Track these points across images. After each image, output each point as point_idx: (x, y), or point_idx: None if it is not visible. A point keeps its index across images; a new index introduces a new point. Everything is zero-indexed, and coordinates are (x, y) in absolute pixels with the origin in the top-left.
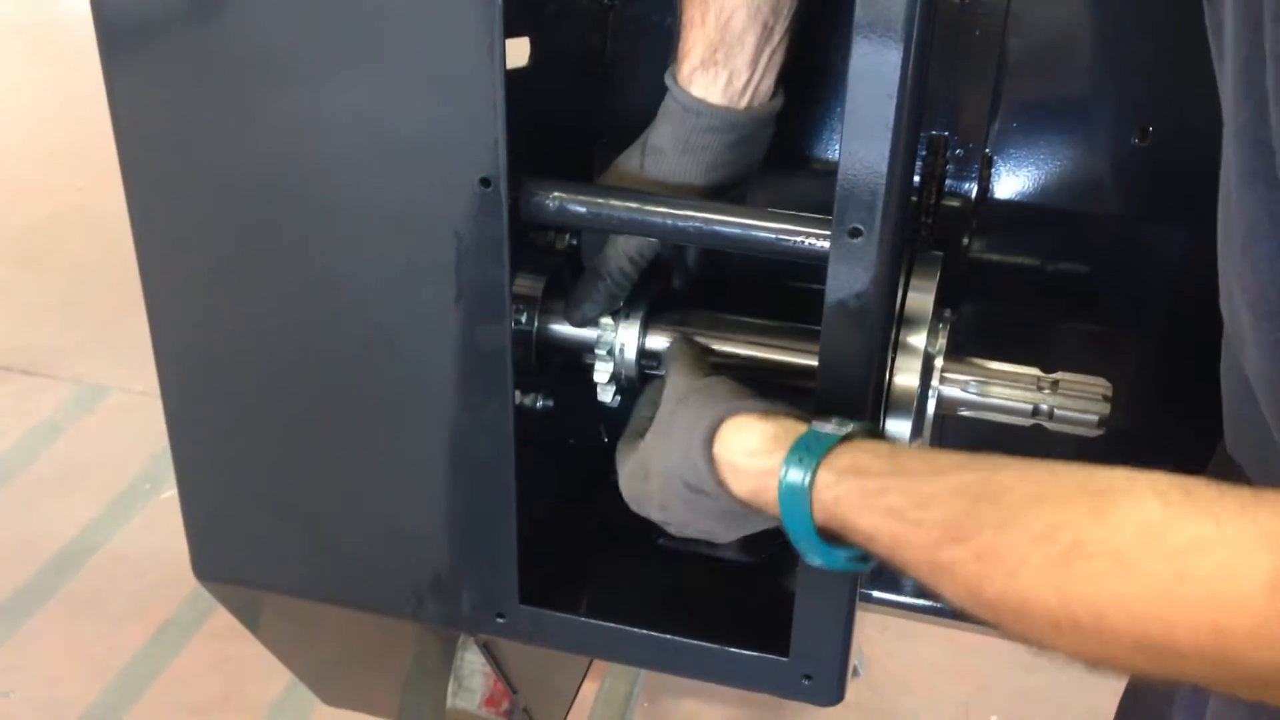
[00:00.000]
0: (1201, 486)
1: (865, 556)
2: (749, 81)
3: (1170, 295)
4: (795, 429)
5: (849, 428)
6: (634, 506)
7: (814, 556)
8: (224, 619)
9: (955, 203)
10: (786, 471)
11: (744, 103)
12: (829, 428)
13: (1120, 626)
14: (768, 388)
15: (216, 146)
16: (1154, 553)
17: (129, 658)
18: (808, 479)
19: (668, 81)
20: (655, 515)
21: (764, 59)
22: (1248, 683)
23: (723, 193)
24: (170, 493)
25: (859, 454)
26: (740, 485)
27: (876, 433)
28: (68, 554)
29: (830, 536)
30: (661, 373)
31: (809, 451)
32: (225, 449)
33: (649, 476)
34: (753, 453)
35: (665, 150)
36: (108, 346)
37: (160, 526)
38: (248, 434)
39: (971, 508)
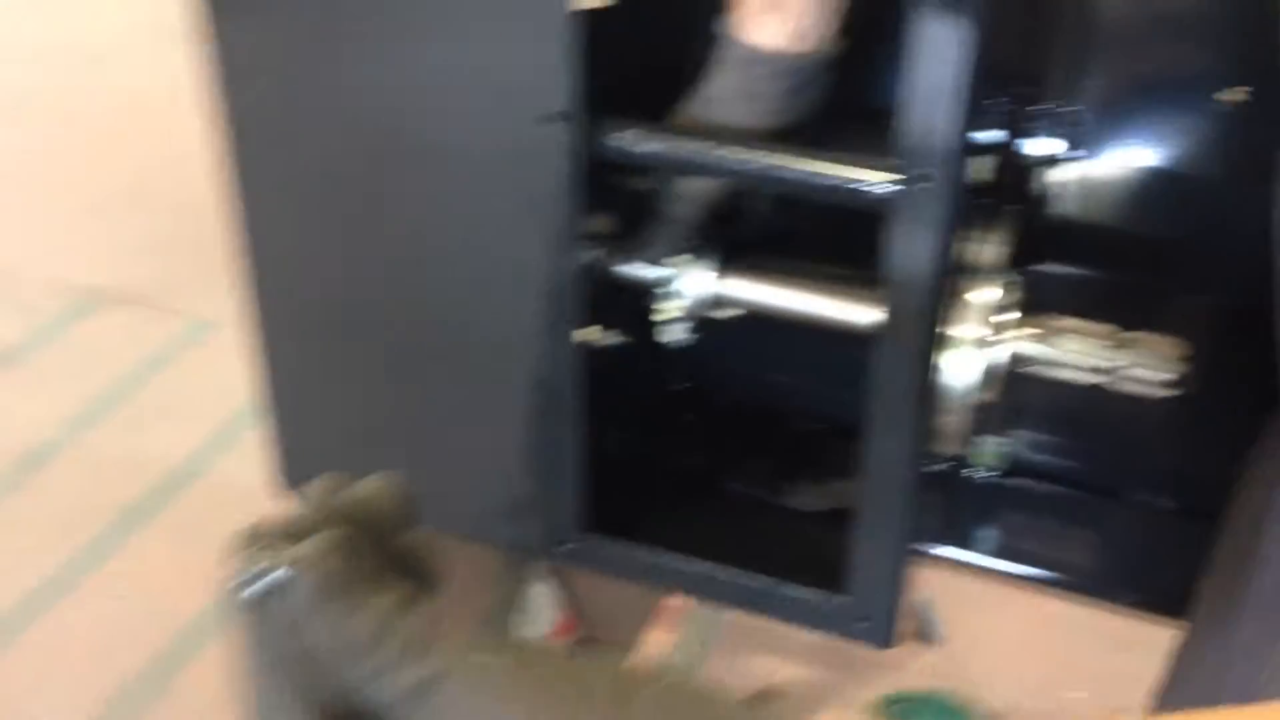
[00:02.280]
0: None
1: None
2: (810, 25)
3: (1259, 260)
4: None
5: None
6: None
7: None
8: None
9: (1038, 161)
10: None
11: (804, 47)
12: None
13: None
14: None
15: (307, 89)
16: None
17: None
18: None
19: (723, 29)
20: None
21: (819, 4)
22: None
23: (788, 136)
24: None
25: None
26: None
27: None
28: (172, 478)
29: None
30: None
31: None
32: (311, 374)
33: None
34: None
35: (726, 99)
36: (215, 284)
37: (259, 458)
38: (334, 363)
39: None
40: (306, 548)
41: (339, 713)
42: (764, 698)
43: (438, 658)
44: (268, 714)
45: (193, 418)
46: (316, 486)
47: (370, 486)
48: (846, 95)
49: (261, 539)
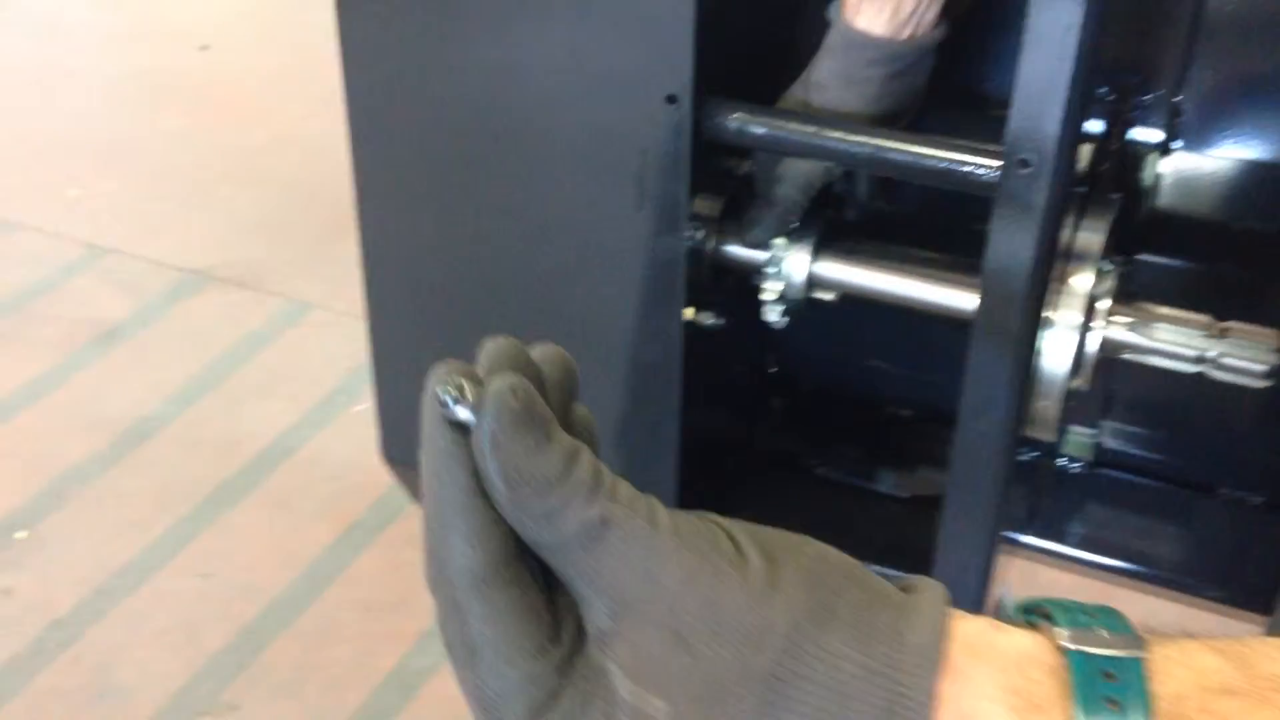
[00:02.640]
0: None
1: None
2: (914, 11)
3: None
4: (1041, 652)
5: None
6: None
7: None
8: (403, 527)
9: (1140, 150)
10: None
11: (907, 33)
12: (1107, 645)
13: None
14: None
15: (431, 74)
16: None
17: (316, 554)
18: None
19: (830, 15)
20: None
21: None
22: None
23: (890, 122)
24: (362, 406)
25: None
26: None
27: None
28: (267, 455)
29: None
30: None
31: (1126, 694)
32: (422, 345)
33: None
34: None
35: (828, 85)
36: (315, 266)
37: (352, 436)
38: (440, 341)
39: None
40: (503, 379)
41: (508, 552)
42: (908, 587)
43: (611, 504)
44: (443, 546)
45: (289, 396)
46: (496, 343)
47: (545, 351)
48: (952, 80)
49: (457, 372)
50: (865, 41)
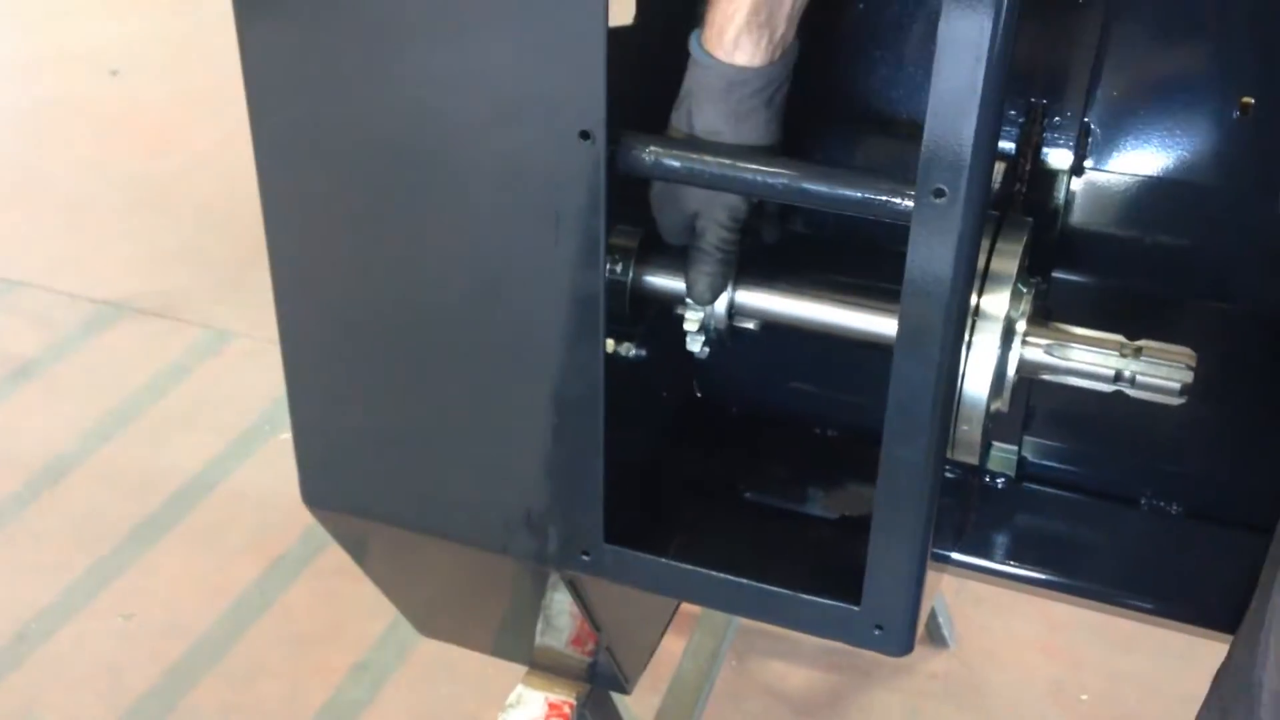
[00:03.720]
0: None
1: None
2: (784, 34)
3: (1268, 269)
4: None
5: None
6: None
7: None
8: (333, 557)
9: (1051, 171)
10: None
11: (777, 55)
12: None
13: None
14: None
15: (340, 101)
16: None
17: (243, 588)
18: None
19: (700, 56)
20: None
21: (796, 10)
22: None
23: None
24: (288, 435)
25: None
26: None
27: None
28: (190, 488)
29: None
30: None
31: None
32: (337, 384)
33: None
34: None
35: (722, 130)
36: (234, 293)
37: (277, 466)
38: (359, 369)
39: None
40: None
41: None
42: None
43: None
44: None
45: (211, 427)
46: None
47: None
48: (855, 104)
49: None
50: (747, 76)
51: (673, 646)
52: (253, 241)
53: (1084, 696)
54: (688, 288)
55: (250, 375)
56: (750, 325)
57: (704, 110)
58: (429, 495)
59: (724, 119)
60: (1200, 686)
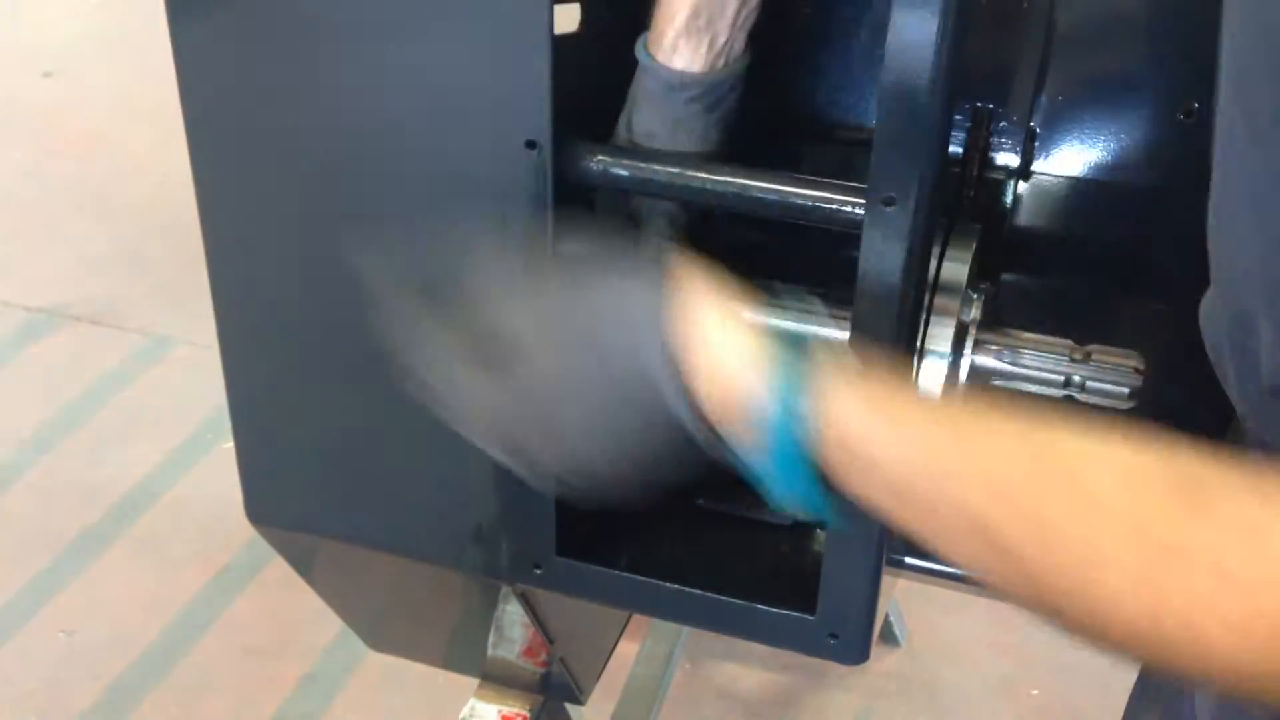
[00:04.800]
0: None
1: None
2: (726, 43)
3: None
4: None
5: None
6: (498, 444)
7: (817, 512)
8: (280, 567)
9: (998, 175)
10: (783, 389)
11: (721, 63)
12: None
13: (1217, 639)
14: None
15: (277, 105)
16: (1256, 561)
17: (188, 601)
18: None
19: (642, 58)
20: (542, 450)
21: (741, 19)
22: None
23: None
24: (231, 443)
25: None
26: (714, 398)
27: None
28: (132, 499)
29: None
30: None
31: (792, 374)
32: (281, 398)
33: (543, 395)
34: (742, 357)
35: (657, 134)
36: (175, 299)
37: (221, 475)
38: (302, 383)
39: (1048, 498)
40: None
41: None
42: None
43: None
44: None
45: (152, 436)
46: None
47: None
48: (804, 111)
49: None
50: (685, 80)
51: (625, 652)
52: (192, 246)
53: (1034, 692)
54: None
55: (192, 382)
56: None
57: (642, 112)
58: (378, 511)
59: (660, 123)
60: None
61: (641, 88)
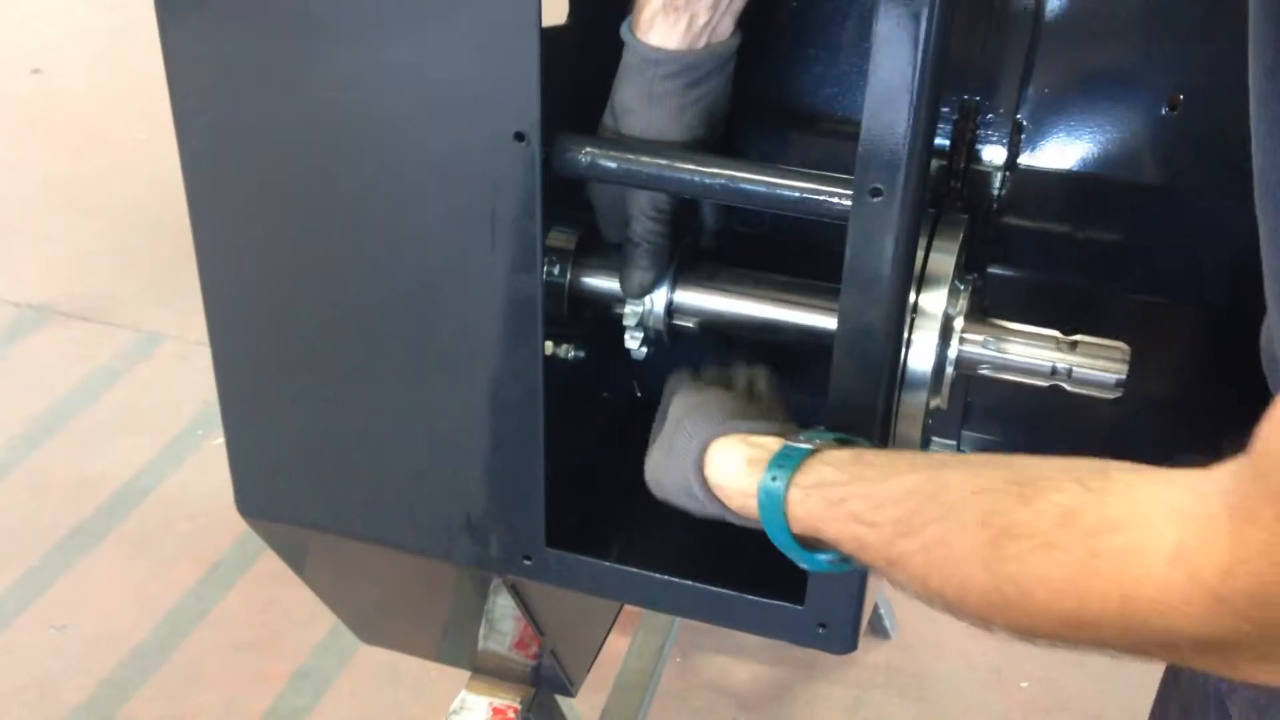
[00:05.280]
0: (1122, 471)
1: (844, 559)
2: (708, 23)
3: (1199, 263)
4: (772, 446)
5: (816, 442)
6: (659, 497)
7: (800, 562)
8: (271, 562)
9: (985, 167)
10: (763, 492)
11: (702, 43)
12: (800, 442)
13: (1043, 601)
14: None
15: (266, 98)
16: (1073, 533)
17: (179, 597)
18: (781, 498)
19: (625, 35)
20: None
21: (724, 1)
22: (1156, 647)
23: (700, 143)
24: (221, 439)
25: (824, 467)
26: (730, 502)
27: (848, 440)
28: (122, 495)
29: (810, 544)
30: (688, 325)
31: (781, 469)
32: (271, 391)
33: (660, 484)
34: (736, 475)
35: (633, 108)
36: (165, 295)
37: (212, 471)
38: (292, 375)
39: (919, 506)
40: None
41: None
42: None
43: None
44: None
45: (143, 432)
46: None
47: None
48: (791, 101)
49: None
50: (660, 57)
51: (616, 645)
52: (182, 241)
53: (1024, 684)
54: (620, 283)
55: (182, 378)
56: (689, 325)
57: (622, 87)
58: (368, 502)
59: (637, 98)
60: (1136, 672)
61: (623, 64)
